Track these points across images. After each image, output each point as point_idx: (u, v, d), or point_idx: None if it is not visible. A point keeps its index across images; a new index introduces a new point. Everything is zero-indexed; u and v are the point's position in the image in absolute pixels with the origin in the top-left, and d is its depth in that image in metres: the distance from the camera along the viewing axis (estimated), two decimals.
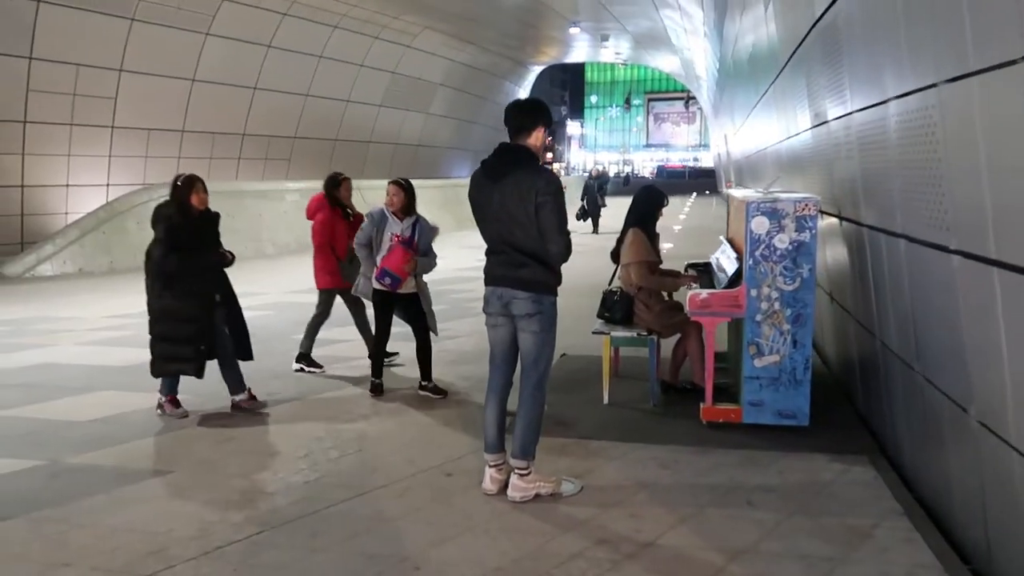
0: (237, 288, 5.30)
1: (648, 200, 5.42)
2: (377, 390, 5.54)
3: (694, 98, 57.45)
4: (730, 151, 21.39)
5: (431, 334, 5.53)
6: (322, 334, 6.38)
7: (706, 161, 74.12)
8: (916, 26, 3.08)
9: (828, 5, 4.51)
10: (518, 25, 25.62)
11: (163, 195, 14.21)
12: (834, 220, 5.23)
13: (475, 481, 3.93)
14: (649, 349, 5.25)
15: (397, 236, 5.40)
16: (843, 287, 5.26)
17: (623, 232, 5.40)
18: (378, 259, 5.39)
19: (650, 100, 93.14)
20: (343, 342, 6.97)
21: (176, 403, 5.09)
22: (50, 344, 7.37)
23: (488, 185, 3.68)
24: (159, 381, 5.11)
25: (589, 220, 19.68)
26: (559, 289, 3.75)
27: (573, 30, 27.07)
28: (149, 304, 4.99)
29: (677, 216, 23.15)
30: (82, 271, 12.40)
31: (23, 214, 15.00)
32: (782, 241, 4.52)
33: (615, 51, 35.52)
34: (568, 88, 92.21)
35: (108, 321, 8.49)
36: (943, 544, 3.26)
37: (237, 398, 5.18)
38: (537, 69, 39.69)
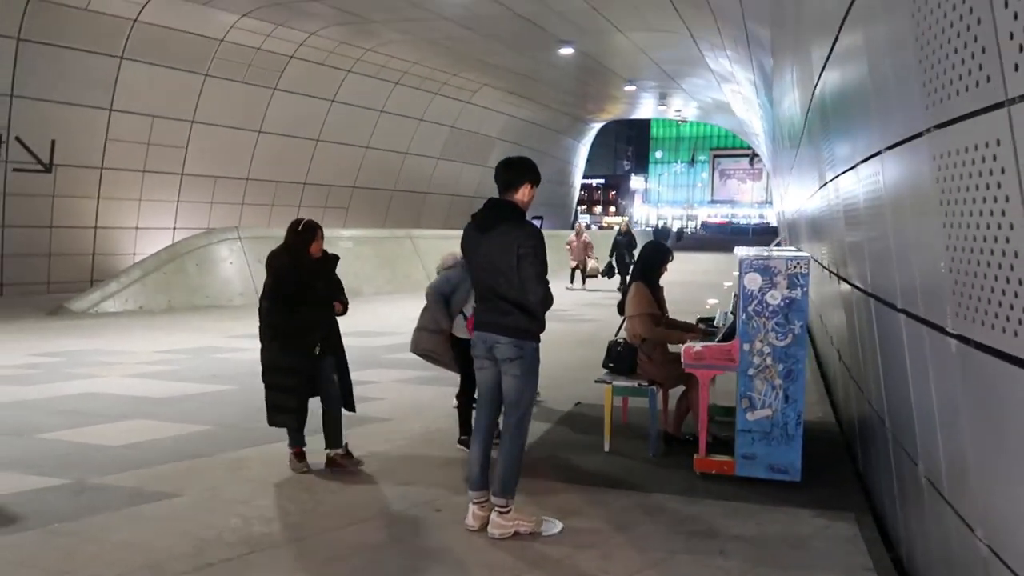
0: None
1: (652, 255, 5.60)
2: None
3: (758, 155, 57.35)
4: (783, 210, 21.36)
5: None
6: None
7: (771, 218, 73.43)
8: (880, 95, 3.25)
9: (820, 71, 4.69)
10: (575, 83, 26.26)
11: (223, 239, 14.87)
12: (836, 279, 5.31)
13: (462, 517, 4.10)
14: (650, 400, 5.36)
15: None
16: (844, 346, 5.31)
17: (628, 285, 5.57)
18: (468, 309, 5.04)
19: (715, 156, 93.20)
20: (369, 384, 7.24)
21: (300, 456, 4.88)
22: (99, 375, 7.86)
23: (476, 237, 3.93)
24: (194, 412, 5.39)
25: (617, 276, 18.54)
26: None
27: (629, 88, 27.57)
28: (261, 352, 4.90)
29: (731, 272, 23.00)
30: (142, 308, 13.11)
31: (94, 253, 15.98)
32: (774, 297, 4.63)
33: (674, 109, 35.89)
34: (633, 143, 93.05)
35: (156, 356, 8.99)
36: None
37: (332, 452, 4.93)
38: (597, 125, 40.34)
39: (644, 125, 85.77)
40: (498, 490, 3.89)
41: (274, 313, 4.75)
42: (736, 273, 4.97)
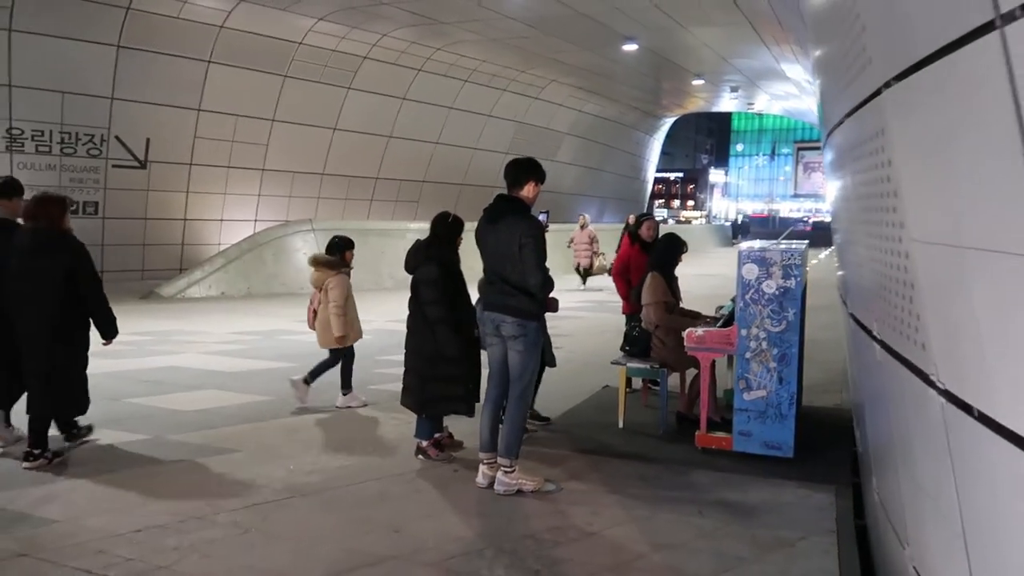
0: None
1: (668, 248, 6.01)
2: None
3: None
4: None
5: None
6: None
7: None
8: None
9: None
10: (642, 78, 26.38)
11: (298, 230, 15.85)
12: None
13: (474, 475, 4.65)
14: (661, 381, 5.79)
15: None
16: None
17: (644, 275, 6.00)
18: None
19: (800, 149, 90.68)
20: None
21: (440, 446, 5.08)
22: (181, 352, 8.76)
23: (487, 228, 4.46)
24: (261, 385, 6.06)
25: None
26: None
27: (697, 82, 27.49)
28: (420, 343, 4.94)
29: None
30: (224, 295, 14.17)
31: (183, 243, 17.24)
32: (770, 287, 4.99)
33: (747, 102, 35.45)
34: (714, 136, 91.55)
35: (232, 336, 9.87)
36: (854, 558, 3.65)
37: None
38: (670, 119, 40.16)
39: (725, 118, 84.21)
40: (503, 451, 4.42)
41: (441, 305, 4.82)
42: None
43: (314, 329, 6.42)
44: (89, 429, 5.39)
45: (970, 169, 1.30)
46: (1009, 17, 1.05)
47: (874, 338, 2.46)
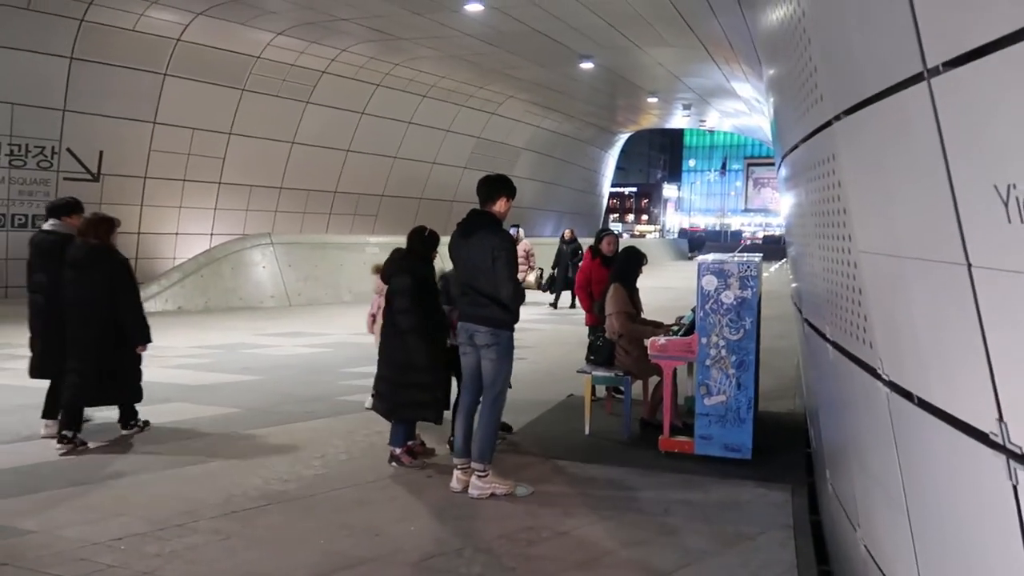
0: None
1: (628, 260, 6.27)
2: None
3: None
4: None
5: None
6: None
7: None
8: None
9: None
10: (597, 95, 26.89)
11: (256, 244, 15.70)
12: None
13: (448, 481, 4.79)
14: (624, 389, 6.02)
15: None
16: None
17: (607, 287, 6.24)
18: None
19: (750, 165, 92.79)
20: None
21: (412, 454, 5.16)
22: (143, 366, 8.70)
23: (460, 242, 4.64)
24: (227, 397, 6.15)
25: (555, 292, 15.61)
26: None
27: (651, 100, 28.13)
28: (393, 352, 5.05)
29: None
30: (181, 309, 14.05)
31: (137, 257, 16.99)
32: (728, 297, 5.27)
33: (699, 119, 36.32)
34: (667, 152, 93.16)
35: (193, 351, 9.84)
36: (809, 549, 3.90)
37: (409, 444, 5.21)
38: (624, 135, 40.89)
39: (678, 134, 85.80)
40: (476, 456, 4.59)
41: (412, 314, 4.95)
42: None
43: (373, 333, 6.37)
44: (147, 423, 5.99)
45: (905, 191, 1.53)
46: (934, 71, 1.28)
47: (827, 340, 2.69)
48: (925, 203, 1.41)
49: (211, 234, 18.25)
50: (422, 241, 5.22)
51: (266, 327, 11.98)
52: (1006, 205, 1.15)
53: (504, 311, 4.54)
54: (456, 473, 4.70)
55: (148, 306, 13.80)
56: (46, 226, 5.81)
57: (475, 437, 4.63)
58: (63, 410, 5.45)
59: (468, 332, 4.60)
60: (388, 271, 5.24)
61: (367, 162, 22.11)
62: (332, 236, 19.71)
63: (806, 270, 3.48)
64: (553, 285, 15.45)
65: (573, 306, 14.36)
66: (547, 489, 4.76)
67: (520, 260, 17.23)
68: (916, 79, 1.33)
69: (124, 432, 5.88)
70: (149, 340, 5.76)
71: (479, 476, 4.59)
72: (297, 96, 19.25)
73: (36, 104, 14.81)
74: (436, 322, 5.12)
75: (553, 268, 15.60)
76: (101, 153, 16.04)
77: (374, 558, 3.75)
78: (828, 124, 1.95)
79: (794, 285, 4.85)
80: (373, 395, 5.30)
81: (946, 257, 1.36)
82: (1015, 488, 1.30)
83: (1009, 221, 1.16)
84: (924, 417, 1.62)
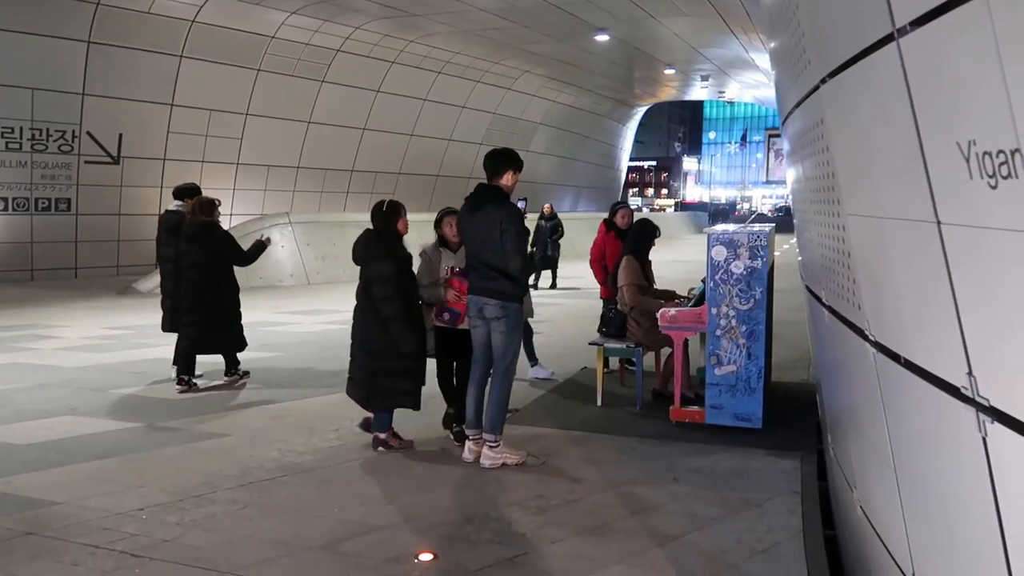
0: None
1: (641, 233, 6.28)
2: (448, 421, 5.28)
3: None
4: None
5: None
6: None
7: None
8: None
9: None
10: (614, 67, 26.66)
11: (275, 224, 15.89)
12: None
13: (460, 453, 4.87)
14: (636, 360, 6.05)
15: (452, 268, 5.13)
16: None
17: (619, 259, 6.26)
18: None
19: (771, 136, 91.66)
20: None
21: (397, 436, 5.05)
22: (163, 344, 8.81)
23: (469, 216, 4.68)
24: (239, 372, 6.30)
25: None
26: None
27: (668, 72, 27.83)
28: (367, 338, 4.89)
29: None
30: None
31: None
32: (737, 267, 5.26)
33: (718, 90, 35.90)
34: (686, 124, 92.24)
35: None
36: (816, 514, 3.94)
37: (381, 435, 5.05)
38: (642, 108, 40.53)
39: (697, 106, 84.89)
40: (487, 427, 4.66)
41: (396, 302, 4.74)
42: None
43: None
44: (247, 373, 6.97)
45: (882, 152, 1.54)
46: (902, 31, 1.30)
47: (823, 304, 2.72)
48: (899, 163, 1.43)
49: (231, 214, 18.39)
50: (383, 217, 4.93)
51: (285, 305, 12.12)
52: (967, 161, 1.17)
53: (513, 284, 4.58)
54: (468, 444, 4.78)
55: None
56: (171, 207, 7.17)
57: (486, 408, 4.70)
58: (180, 358, 6.64)
59: (478, 305, 4.65)
60: (362, 254, 4.95)
61: (383, 140, 22.15)
62: (350, 215, 19.80)
63: (806, 238, 3.48)
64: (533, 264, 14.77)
65: (554, 286, 14.75)
66: (558, 459, 4.83)
67: None
68: (887, 40, 1.34)
69: (226, 379, 6.85)
70: (250, 262, 6.99)
71: (491, 447, 4.66)
72: (312, 75, 19.29)
73: (56, 88, 14.98)
74: (414, 307, 4.92)
75: (533, 247, 14.58)
76: (120, 136, 16.22)
77: (387, 525, 3.84)
78: (816, 88, 1.96)
79: (799, 254, 4.85)
80: (348, 380, 5.11)
81: (918, 216, 1.38)
82: (984, 440, 1.33)
83: (971, 177, 1.18)
84: (907, 376, 1.65)
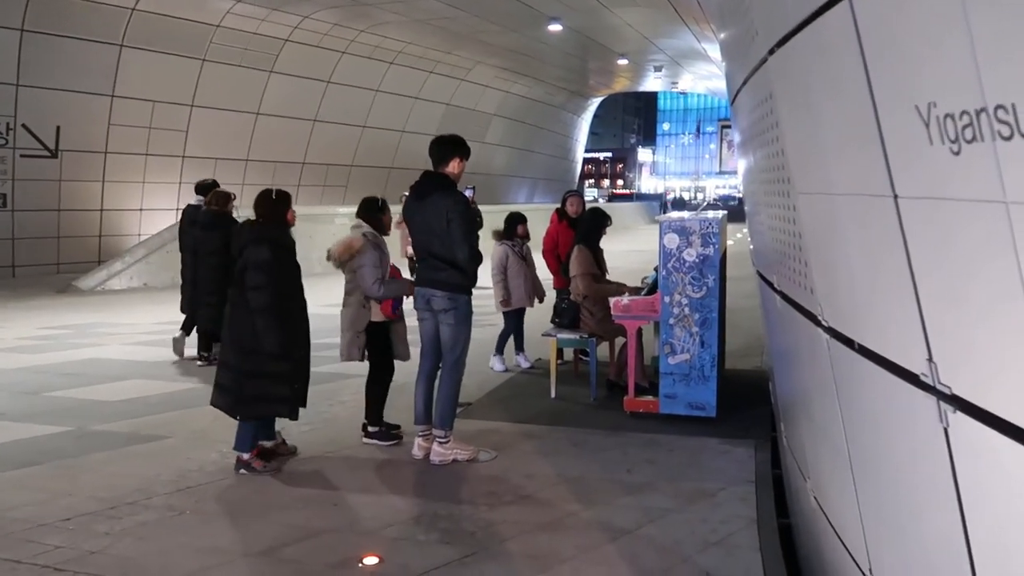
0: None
1: (592, 220, 6.17)
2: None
3: None
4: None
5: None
6: None
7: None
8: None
9: None
10: (567, 58, 26.58)
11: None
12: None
13: (410, 449, 4.72)
14: (590, 350, 5.96)
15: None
16: None
17: (570, 248, 6.16)
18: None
19: (724, 127, 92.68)
20: None
21: (266, 455, 4.54)
22: (102, 344, 8.53)
23: (414, 205, 4.52)
24: (187, 373, 6.02)
25: None
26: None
27: (622, 62, 27.85)
28: (238, 338, 4.34)
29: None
30: (147, 285, 13.79)
31: (101, 235, 16.66)
32: (690, 255, 5.20)
33: (671, 81, 36.09)
34: (641, 116, 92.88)
35: (156, 327, 9.65)
36: (770, 503, 3.89)
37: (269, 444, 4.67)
38: (597, 99, 40.57)
39: (651, 98, 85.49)
40: (437, 423, 4.52)
41: (267, 292, 4.25)
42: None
43: None
44: None
45: (833, 122, 1.44)
46: None
47: (775, 290, 2.64)
48: (852, 132, 1.33)
49: (176, 209, 17.75)
50: (271, 205, 4.49)
51: None
52: (927, 126, 1.07)
53: (461, 275, 4.44)
54: (417, 440, 4.63)
55: (113, 283, 13.61)
56: (192, 202, 7.82)
57: (436, 403, 4.56)
58: (200, 335, 7.33)
59: (425, 297, 4.50)
60: (239, 242, 4.46)
61: (335, 132, 21.73)
62: (301, 208, 19.32)
63: (756, 221, 3.42)
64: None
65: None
66: (510, 454, 4.71)
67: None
68: None
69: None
70: None
71: (440, 443, 4.52)
72: (260, 65, 18.80)
73: None
74: (297, 301, 4.47)
75: None
76: (58, 128, 15.60)
77: (331, 528, 3.68)
78: (764, 61, 1.86)
79: (750, 242, 4.80)
80: (214, 386, 4.48)
81: (873, 190, 1.27)
82: (946, 431, 1.25)
83: (930, 143, 1.08)
84: (861, 362, 1.56)
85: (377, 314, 4.79)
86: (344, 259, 4.73)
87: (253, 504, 3.98)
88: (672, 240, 5.21)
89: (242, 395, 4.31)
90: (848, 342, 1.70)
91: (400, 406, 5.60)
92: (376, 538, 3.56)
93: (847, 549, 2.05)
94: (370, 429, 4.92)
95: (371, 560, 3.31)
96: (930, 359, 1.26)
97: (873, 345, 1.47)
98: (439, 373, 4.62)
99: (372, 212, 4.93)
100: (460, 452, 4.54)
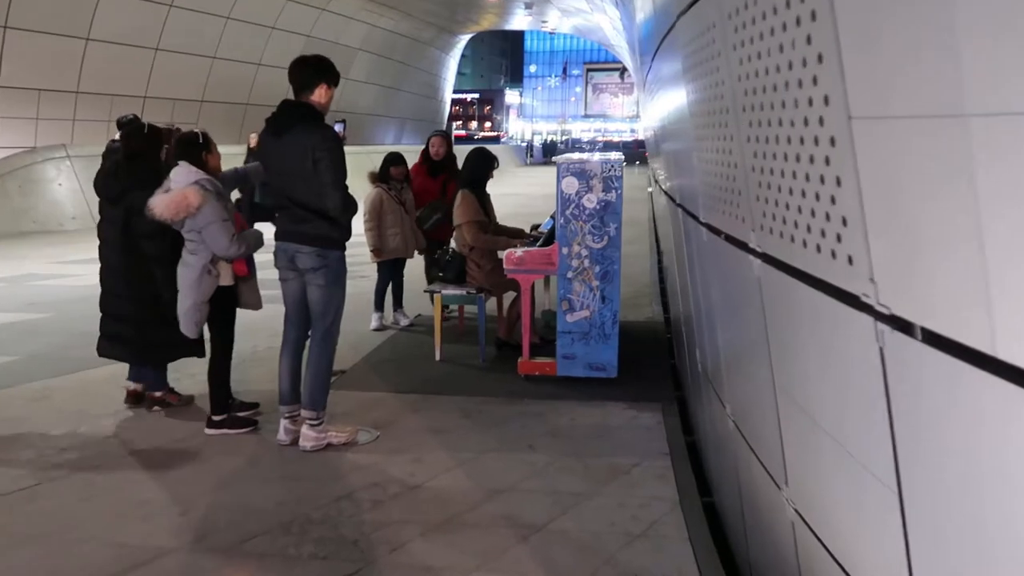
0: None
1: (477, 162, 5.54)
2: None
3: (627, 70, 57.69)
4: (646, 126, 21.76)
5: None
6: None
7: (641, 133, 74.10)
8: None
9: None
10: None
11: (49, 158, 13.84)
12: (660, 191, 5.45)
13: (275, 434, 4.02)
14: (478, 307, 5.40)
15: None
16: (670, 250, 5.49)
17: (454, 194, 5.51)
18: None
19: (589, 71, 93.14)
20: None
21: (175, 392, 4.51)
22: None
23: (271, 141, 3.73)
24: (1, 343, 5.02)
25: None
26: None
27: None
28: (136, 286, 4.17)
29: None
30: None
31: None
32: (590, 201, 4.69)
33: (540, 19, 35.43)
34: (508, 57, 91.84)
35: None
36: (690, 479, 3.51)
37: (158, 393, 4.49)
38: (466, 37, 39.35)
39: (518, 38, 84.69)
40: (307, 403, 3.83)
41: (162, 239, 4.04)
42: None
43: None
44: None
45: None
46: None
47: (700, 223, 2.31)
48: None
49: None
50: (146, 139, 4.21)
51: (64, 253, 10.37)
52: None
53: (332, 226, 3.71)
54: (283, 423, 3.93)
55: None
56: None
57: (304, 379, 3.86)
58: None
59: (288, 254, 3.75)
60: (116, 186, 4.16)
61: (181, 63, 19.67)
62: None
63: (685, 158, 2.98)
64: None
65: None
66: (395, 432, 4.11)
67: None
68: None
69: None
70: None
71: (311, 425, 3.84)
72: None
73: None
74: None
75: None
76: None
77: (177, 547, 2.96)
78: None
79: (665, 180, 4.37)
80: (108, 338, 4.36)
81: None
82: (881, 351, 1.23)
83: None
84: (787, 281, 1.46)
85: (228, 277, 3.98)
86: (178, 220, 3.82)
87: (77, 518, 3.18)
88: (571, 184, 4.68)
89: (148, 343, 4.27)
90: (783, 266, 1.53)
91: (258, 377, 4.88)
92: (236, 555, 2.89)
93: (765, 468, 1.96)
94: (215, 418, 4.10)
95: None
96: (872, 279, 1.22)
97: (798, 263, 1.39)
98: (307, 344, 3.92)
99: (193, 152, 3.95)
100: (335, 435, 3.88)
